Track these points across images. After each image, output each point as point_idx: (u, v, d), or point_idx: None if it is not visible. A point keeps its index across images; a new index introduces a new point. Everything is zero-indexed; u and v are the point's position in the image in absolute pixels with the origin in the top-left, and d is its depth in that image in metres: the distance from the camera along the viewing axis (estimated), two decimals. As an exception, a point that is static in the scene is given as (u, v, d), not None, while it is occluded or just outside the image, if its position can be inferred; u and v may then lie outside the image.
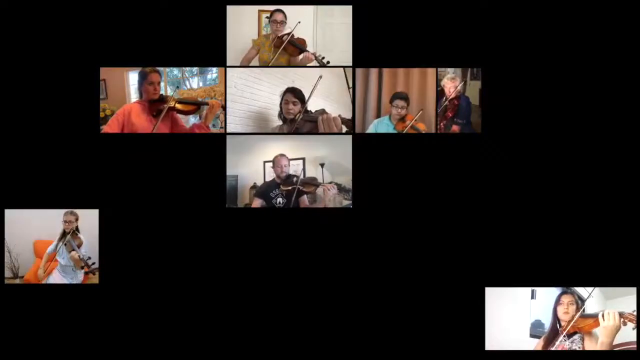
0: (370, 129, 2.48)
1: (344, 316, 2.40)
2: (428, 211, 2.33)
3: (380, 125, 2.49)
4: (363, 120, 2.51)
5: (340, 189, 2.47)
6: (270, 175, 2.56)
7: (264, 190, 2.53)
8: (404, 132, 2.46)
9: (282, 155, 2.56)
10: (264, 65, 2.50)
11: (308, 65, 2.48)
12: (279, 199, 2.53)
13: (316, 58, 2.47)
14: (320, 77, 2.46)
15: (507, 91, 2.34)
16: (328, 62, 2.45)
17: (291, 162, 2.62)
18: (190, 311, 2.35)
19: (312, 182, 2.55)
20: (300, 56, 2.49)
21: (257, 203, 2.51)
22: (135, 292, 2.37)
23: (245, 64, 2.47)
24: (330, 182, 2.51)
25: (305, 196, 2.53)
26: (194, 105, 2.49)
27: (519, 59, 2.34)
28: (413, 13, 2.34)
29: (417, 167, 2.36)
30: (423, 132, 2.46)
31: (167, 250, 2.39)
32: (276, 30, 2.50)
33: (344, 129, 2.41)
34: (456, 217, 2.33)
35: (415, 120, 2.47)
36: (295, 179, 2.54)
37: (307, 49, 2.50)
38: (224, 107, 2.42)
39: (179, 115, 2.49)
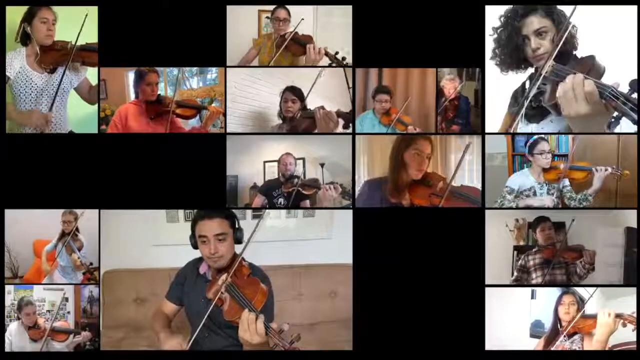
0: (356, 125, 2.45)
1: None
2: (428, 210, 2.33)
3: (364, 120, 2.47)
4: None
5: (345, 192, 2.41)
6: (274, 174, 2.55)
7: (267, 189, 2.52)
8: (392, 125, 2.46)
9: (288, 154, 2.54)
10: (263, 65, 2.48)
11: (307, 65, 2.45)
12: (281, 199, 2.51)
13: (327, 54, 2.40)
14: (322, 70, 2.43)
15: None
16: (344, 59, 2.38)
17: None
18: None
19: (313, 185, 2.50)
20: (307, 51, 2.40)
21: (259, 202, 2.49)
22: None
23: (244, 65, 2.46)
24: (332, 183, 2.47)
25: (307, 200, 2.50)
26: (194, 110, 2.47)
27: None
28: (413, 13, 2.33)
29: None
30: (409, 124, 2.45)
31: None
32: (279, 29, 2.46)
33: (341, 123, 2.39)
34: (457, 216, 2.32)
35: (401, 113, 2.47)
36: (296, 180, 2.52)
37: (314, 43, 2.41)
38: (224, 114, 2.40)
39: (178, 119, 2.47)
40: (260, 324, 1.90)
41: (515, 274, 2.42)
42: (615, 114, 1.97)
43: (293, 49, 2.46)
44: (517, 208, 2.39)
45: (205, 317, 2.05)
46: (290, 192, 2.50)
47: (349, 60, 2.35)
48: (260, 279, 2.11)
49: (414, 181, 2.33)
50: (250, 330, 1.89)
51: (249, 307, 1.96)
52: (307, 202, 2.52)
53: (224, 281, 2.04)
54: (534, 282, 2.38)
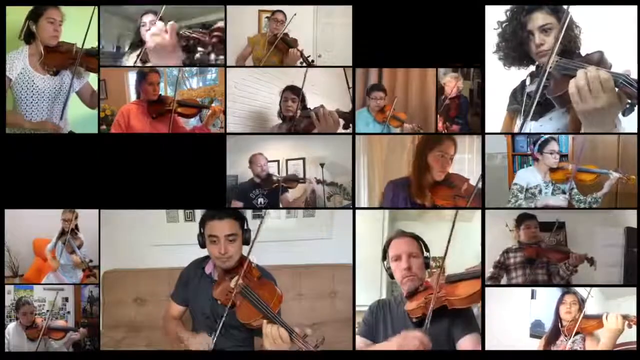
0: (351, 123, 2.45)
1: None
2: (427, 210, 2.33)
3: (359, 117, 2.44)
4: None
5: (319, 181, 2.44)
6: (248, 176, 2.53)
7: (242, 192, 2.51)
8: (387, 122, 2.47)
9: (260, 154, 2.53)
10: (258, 63, 2.48)
11: (309, 65, 2.46)
12: (260, 199, 2.51)
13: (302, 55, 2.46)
14: (306, 70, 2.43)
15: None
16: (313, 61, 2.45)
17: (291, 162, 2.62)
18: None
19: (294, 179, 2.55)
20: (289, 53, 2.46)
21: (238, 205, 2.48)
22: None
23: (240, 62, 2.46)
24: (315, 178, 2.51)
25: (286, 194, 2.51)
26: (195, 109, 2.47)
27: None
28: (413, 13, 2.33)
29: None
30: (404, 121, 2.47)
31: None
32: (274, 29, 2.48)
33: (341, 122, 2.39)
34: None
35: (395, 109, 2.48)
36: (275, 177, 2.53)
37: (298, 47, 2.47)
38: (224, 114, 2.40)
39: (180, 118, 2.47)
40: (284, 333, 1.91)
41: (491, 270, 2.38)
42: (629, 100, 1.99)
43: (281, 47, 2.49)
44: (535, 208, 2.36)
45: (212, 317, 2.06)
46: (274, 190, 2.51)
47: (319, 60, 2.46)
48: (272, 281, 2.12)
49: (436, 182, 2.33)
50: (277, 343, 1.91)
51: (266, 311, 1.96)
52: (287, 196, 2.54)
53: (236, 283, 2.03)
54: (513, 281, 2.37)
